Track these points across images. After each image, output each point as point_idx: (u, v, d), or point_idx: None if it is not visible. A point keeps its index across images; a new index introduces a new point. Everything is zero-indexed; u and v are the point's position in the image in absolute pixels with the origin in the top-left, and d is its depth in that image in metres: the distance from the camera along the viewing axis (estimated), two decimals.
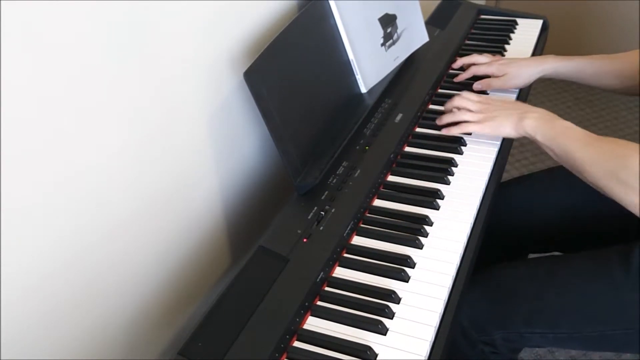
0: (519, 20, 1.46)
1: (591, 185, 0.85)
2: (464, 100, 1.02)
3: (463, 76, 1.19)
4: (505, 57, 1.26)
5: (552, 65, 1.11)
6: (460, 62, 1.21)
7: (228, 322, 0.69)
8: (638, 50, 1.07)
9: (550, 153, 0.91)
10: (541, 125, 0.91)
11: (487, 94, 1.16)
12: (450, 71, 1.24)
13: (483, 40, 1.38)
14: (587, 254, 0.92)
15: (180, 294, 0.92)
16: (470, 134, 1.02)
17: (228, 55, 0.89)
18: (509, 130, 0.95)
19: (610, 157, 0.82)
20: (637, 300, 0.84)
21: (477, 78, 1.18)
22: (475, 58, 1.19)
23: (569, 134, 0.88)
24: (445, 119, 1.03)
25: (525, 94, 1.19)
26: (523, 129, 0.93)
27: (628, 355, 1.38)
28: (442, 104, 1.15)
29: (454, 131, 1.01)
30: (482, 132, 0.98)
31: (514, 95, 1.16)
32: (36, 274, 0.64)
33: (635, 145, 0.80)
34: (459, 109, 1.02)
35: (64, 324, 0.70)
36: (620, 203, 0.81)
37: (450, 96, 1.15)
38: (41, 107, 0.59)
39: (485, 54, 1.20)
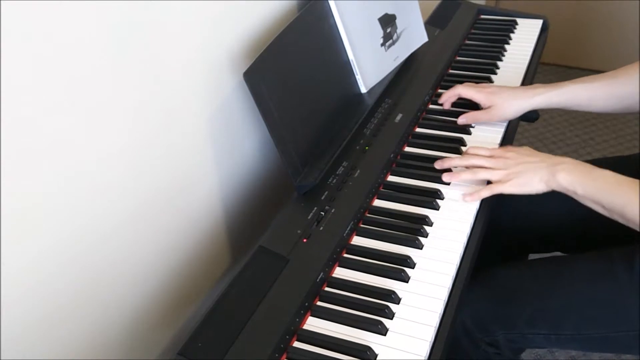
0: (519, 20, 1.46)
1: None
2: (475, 158, 0.92)
3: (448, 102, 1.11)
4: (493, 85, 1.16)
5: (544, 97, 1.03)
6: (445, 96, 1.12)
7: (228, 322, 0.69)
8: (632, 65, 1.00)
9: (596, 207, 0.84)
10: (580, 178, 0.84)
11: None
12: (443, 83, 1.24)
13: (483, 40, 1.38)
14: (590, 255, 0.92)
15: (180, 294, 0.92)
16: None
17: (228, 55, 0.89)
18: (540, 186, 0.87)
19: None
20: (639, 300, 0.84)
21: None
22: (459, 86, 1.10)
23: (619, 185, 0.82)
24: (465, 176, 0.92)
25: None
26: (557, 183, 0.85)
27: (628, 355, 1.38)
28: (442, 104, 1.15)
29: (483, 194, 0.90)
30: (511, 191, 0.89)
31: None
32: (36, 274, 0.64)
33: None
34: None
35: (64, 324, 0.70)
36: None
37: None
38: (41, 108, 0.59)
39: (470, 83, 1.11)
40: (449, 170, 0.94)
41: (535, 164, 0.88)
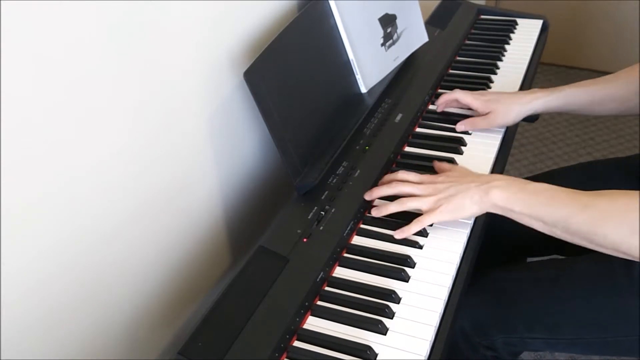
0: (518, 20, 1.46)
1: (602, 250, 0.75)
2: (403, 185, 0.86)
3: (443, 104, 1.10)
4: (490, 92, 1.15)
5: (542, 101, 1.01)
6: (443, 99, 1.11)
7: (228, 322, 0.69)
8: (631, 68, 1.00)
9: (536, 224, 0.79)
10: (515, 194, 0.79)
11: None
12: (443, 83, 1.24)
13: (483, 41, 1.38)
14: (589, 258, 0.92)
15: (180, 294, 0.92)
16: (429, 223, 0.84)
17: (228, 55, 0.89)
18: (473, 209, 0.82)
19: (626, 212, 0.72)
20: (639, 304, 0.84)
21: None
22: (457, 91, 1.09)
23: (557, 197, 0.77)
24: (392, 208, 0.85)
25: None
26: (490, 203, 0.80)
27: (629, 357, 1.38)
28: None
29: (412, 229, 0.83)
30: (441, 219, 0.83)
31: (516, 88, 1.06)
32: (36, 274, 0.64)
33: (634, 193, 0.73)
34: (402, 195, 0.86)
35: (64, 324, 0.70)
36: None
37: None
38: (41, 108, 0.59)
39: (466, 91, 1.08)
40: (378, 201, 0.90)
41: (466, 186, 0.82)
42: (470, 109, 1.08)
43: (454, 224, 0.86)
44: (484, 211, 0.82)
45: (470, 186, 0.82)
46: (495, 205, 0.81)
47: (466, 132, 1.06)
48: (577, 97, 1.01)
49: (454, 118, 1.09)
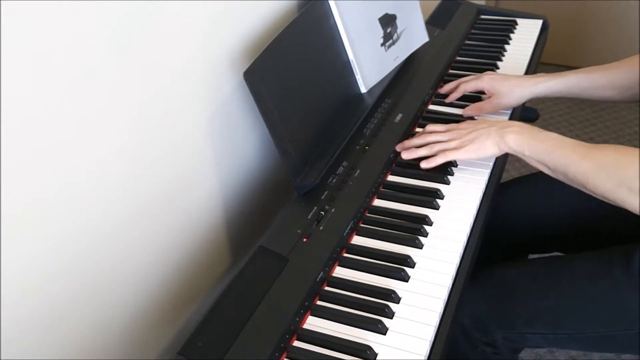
0: (518, 20, 1.46)
1: (595, 196, 0.82)
2: (431, 135, 0.97)
3: (453, 96, 1.13)
4: (494, 72, 1.17)
5: (545, 85, 1.06)
6: (448, 87, 1.16)
7: (228, 322, 0.69)
8: (634, 57, 1.03)
9: (542, 167, 0.88)
10: (527, 140, 0.88)
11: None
12: (441, 89, 1.23)
13: (483, 41, 1.38)
14: (589, 255, 0.92)
15: (180, 294, 0.92)
16: (454, 163, 0.97)
17: (228, 55, 0.89)
18: (492, 149, 0.91)
19: (616, 167, 0.79)
20: (638, 301, 0.84)
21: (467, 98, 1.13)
22: (462, 81, 1.14)
23: (561, 146, 0.85)
24: (421, 152, 0.96)
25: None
26: (506, 145, 0.89)
27: (628, 355, 1.38)
28: (442, 104, 1.15)
29: (437, 160, 0.94)
30: (466, 157, 0.93)
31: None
32: (36, 274, 0.64)
33: (635, 150, 0.79)
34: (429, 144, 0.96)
35: (64, 324, 0.70)
36: (634, 212, 0.78)
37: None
38: (41, 108, 0.59)
39: (469, 77, 1.14)
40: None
41: (487, 129, 0.91)
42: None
43: (454, 223, 0.87)
44: (502, 152, 0.91)
45: (491, 130, 0.91)
46: (510, 148, 0.89)
47: (472, 118, 1.07)
48: (580, 82, 1.06)
49: (454, 118, 1.09)
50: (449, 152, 0.93)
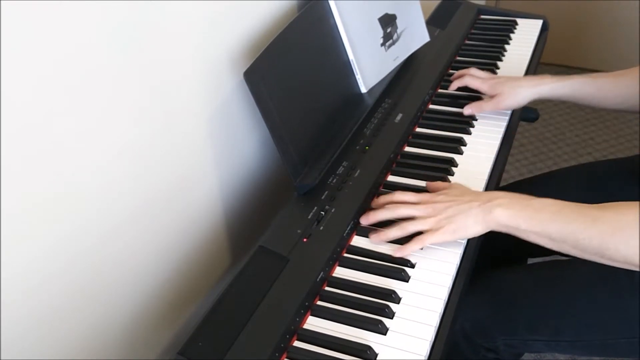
0: (518, 20, 1.46)
1: (613, 263, 0.74)
2: (402, 207, 0.83)
3: (454, 85, 1.14)
4: (499, 75, 1.18)
5: (549, 86, 1.04)
6: (458, 74, 1.15)
7: (228, 322, 0.69)
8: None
9: (543, 241, 0.77)
10: (520, 211, 0.77)
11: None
12: (443, 83, 1.23)
13: (483, 41, 1.38)
14: (591, 260, 0.92)
15: (180, 294, 0.92)
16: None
17: (228, 55, 0.89)
18: (476, 228, 0.79)
19: (634, 225, 0.70)
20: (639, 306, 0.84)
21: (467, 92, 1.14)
22: (472, 70, 1.13)
23: (562, 214, 0.75)
24: (393, 234, 0.82)
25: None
26: (496, 222, 0.78)
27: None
28: (442, 104, 1.15)
29: (412, 247, 0.80)
30: (443, 240, 0.80)
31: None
32: (36, 275, 0.64)
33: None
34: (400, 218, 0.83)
35: (64, 324, 0.70)
36: None
37: (450, 96, 1.16)
38: (42, 108, 0.59)
39: (477, 73, 1.13)
40: (378, 226, 0.85)
41: (468, 204, 0.80)
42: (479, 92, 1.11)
43: None
44: (487, 230, 0.80)
45: (472, 205, 0.80)
46: (499, 224, 0.78)
47: (467, 129, 1.06)
48: (585, 87, 1.03)
49: (454, 117, 1.10)
50: (425, 236, 0.80)
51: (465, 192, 0.84)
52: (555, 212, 0.76)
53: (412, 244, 0.80)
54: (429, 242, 0.80)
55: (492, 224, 0.78)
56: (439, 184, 0.90)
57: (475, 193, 0.84)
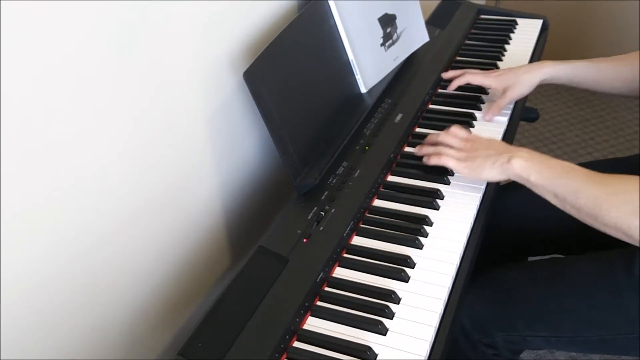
0: (518, 20, 1.46)
1: (605, 229, 0.77)
2: (450, 137, 0.95)
3: (455, 83, 1.14)
4: (498, 70, 1.17)
5: (552, 69, 1.07)
6: (452, 73, 1.16)
7: (228, 322, 0.69)
8: None
9: (549, 196, 0.82)
10: (535, 165, 0.84)
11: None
12: (442, 83, 1.23)
13: (483, 40, 1.38)
14: (590, 257, 0.92)
15: (180, 294, 0.92)
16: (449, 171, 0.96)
17: (228, 55, 0.89)
18: (492, 173, 0.88)
19: (630, 192, 0.74)
20: (639, 303, 0.84)
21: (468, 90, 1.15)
22: (468, 70, 1.15)
23: (573, 171, 0.81)
24: (425, 150, 0.96)
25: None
26: (512, 171, 0.85)
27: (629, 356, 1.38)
28: (442, 104, 1.15)
29: (432, 161, 0.94)
30: (458, 169, 0.92)
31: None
32: (36, 274, 0.64)
33: None
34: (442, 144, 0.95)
35: (65, 324, 0.70)
36: (635, 243, 0.75)
37: (450, 96, 1.16)
38: (42, 109, 0.59)
39: (476, 70, 1.15)
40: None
41: (491, 151, 0.89)
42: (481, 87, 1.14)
43: (454, 223, 0.87)
44: (503, 177, 0.87)
45: (494, 153, 0.88)
46: (514, 173, 0.85)
47: (467, 129, 1.06)
48: (586, 71, 1.06)
49: (454, 117, 1.09)
50: (445, 158, 0.92)
51: (498, 144, 0.93)
52: (565, 171, 0.81)
53: (433, 157, 0.94)
54: (445, 164, 0.92)
55: (508, 170, 0.86)
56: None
57: (503, 145, 0.92)
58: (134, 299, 0.82)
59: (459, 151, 0.92)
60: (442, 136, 0.96)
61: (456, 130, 0.96)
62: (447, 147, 0.94)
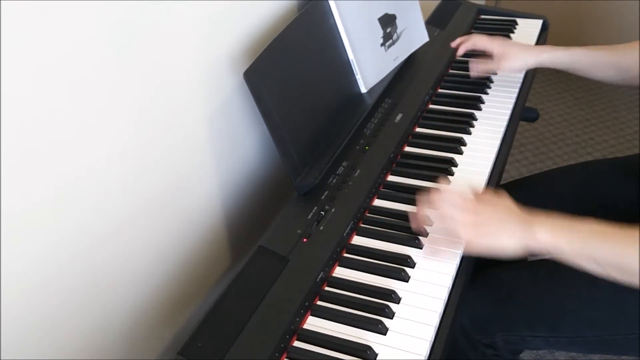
0: (518, 20, 1.46)
1: None
2: (449, 206, 0.79)
3: (462, 48, 1.18)
4: (504, 38, 1.23)
5: (550, 54, 1.11)
6: (460, 40, 1.20)
7: (228, 322, 0.69)
8: (637, 42, 1.06)
9: (587, 263, 0.73)
10: (564, 234, 0.73)
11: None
12: (452, 43, 1.25)
13: None
14: None
15: (180, 294, 0.92)
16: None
17: (228, 55, 0.89)
18: (509, 243, 0.75)
19: None
20: (639, 304, 0.84)
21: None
22: (474, 35, 1.20)
23: (608, 235, 0.73)
24: (421, 212, 0.83)
25: (527, 89, 1.18)
26: (538, 245, 0.74)
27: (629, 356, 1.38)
28: (442, 104, 1.15)
29: (441, 254, 0.81)
30: (468, 239, 0.77)
31: (517, 87, 1.14)
32: (36, 275, 0.64)
33: None
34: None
35: (65, 324, 0.70)
36: None
37: (450, 96, 1.16)
38: (42, 109, 0.59)
39: (483, 36, 1.19)
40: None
41: (509, 224, 0.76)
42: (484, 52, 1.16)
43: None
44: (523, 252, 0.75)
45: (513, 226, 0.76)
46: (541, 244, 0.74)
47: (467, 129, 1.06)
48: (583, 57, 1.10)
49: (454, 117, 1.10)
50: (450, 221, 0.78)
51: (509, 211, 0.78)
52: (599, 234, 0.73)
53: (442, 252, 0.80)
54: (455, 233, 0.78)
55: (532, 242, 0.74)
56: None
57: (515, 212, 0.78)
58: (134, 299, 0.82)
59: (465, 213, 0.78)
60: (441, 207, 0.80)
61: (452, 197, 0.80)
62: (448, 207, 0.79)
